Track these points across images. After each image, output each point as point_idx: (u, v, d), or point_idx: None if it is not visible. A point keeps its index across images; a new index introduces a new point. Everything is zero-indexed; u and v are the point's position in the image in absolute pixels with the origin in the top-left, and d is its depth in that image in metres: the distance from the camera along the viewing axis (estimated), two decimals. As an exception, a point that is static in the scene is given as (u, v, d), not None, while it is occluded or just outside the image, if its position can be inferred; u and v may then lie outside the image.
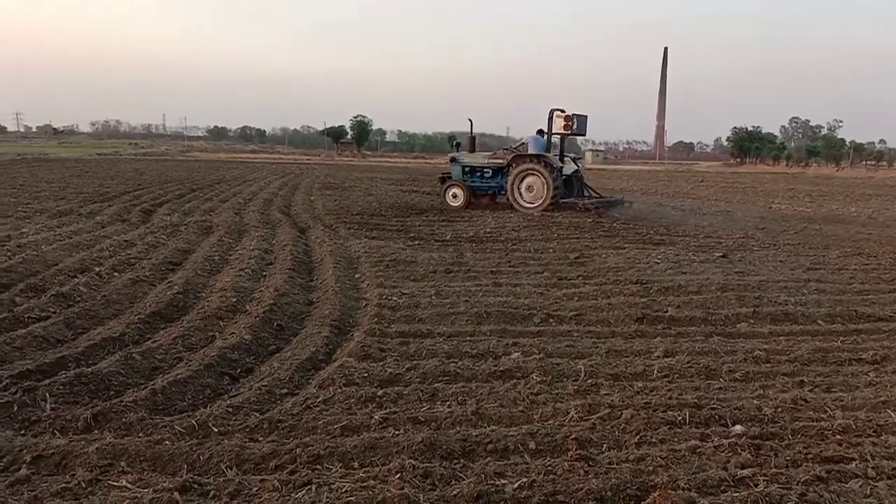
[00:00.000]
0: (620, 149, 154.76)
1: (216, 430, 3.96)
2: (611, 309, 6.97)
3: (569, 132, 17.07)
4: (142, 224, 12.44)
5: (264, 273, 8.42)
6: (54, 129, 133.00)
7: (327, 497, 3.16)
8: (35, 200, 15.68)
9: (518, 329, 6.25)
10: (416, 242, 11.43)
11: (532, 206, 16.61)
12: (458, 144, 19.73)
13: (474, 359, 5.36)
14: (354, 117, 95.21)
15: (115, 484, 3.28)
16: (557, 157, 17.26)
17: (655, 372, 5.18)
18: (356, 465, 3.60)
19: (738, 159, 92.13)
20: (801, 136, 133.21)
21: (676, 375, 5.17)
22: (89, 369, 4.66)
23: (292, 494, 3.22)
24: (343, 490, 3.24)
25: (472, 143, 18.45)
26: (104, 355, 5.15)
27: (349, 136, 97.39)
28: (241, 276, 7.89)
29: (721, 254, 10.70)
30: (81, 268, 7.99)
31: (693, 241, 12.44)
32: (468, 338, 5.94)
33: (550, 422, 4.16)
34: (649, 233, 13.36)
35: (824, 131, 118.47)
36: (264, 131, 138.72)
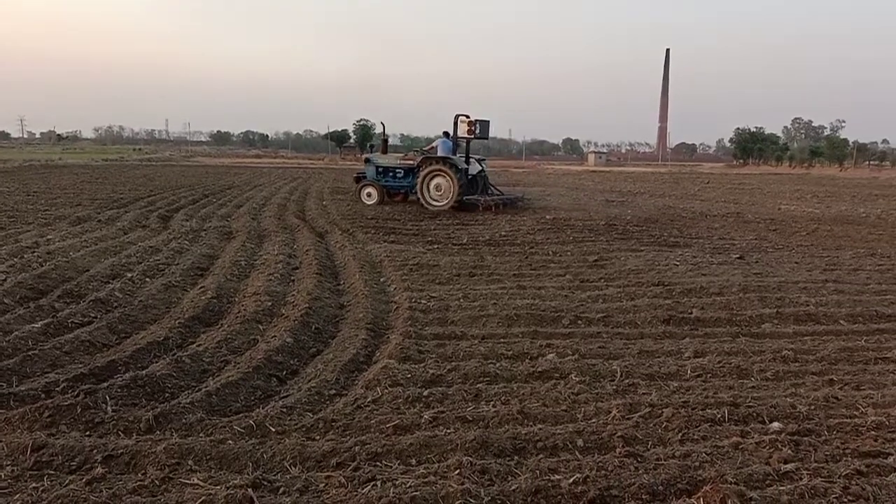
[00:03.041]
0: (623, 150, 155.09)
1: (274, 429, 4.10)
2: (637, 311, 7.11)
3: (472, 136, 18.18)
4: (162, 230, 12.61)
5: (292, 277, 8.58)
6: (58, 135, 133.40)
7: (393, 492, 3.30)
8: (52, 207, 15.86)
9: (549, 331, 6.40)
10: (435, 246, 11.58)
11: (439, 204, 17.72)
12: (373, 146, 21.19)
13: (511, 360, 5.50)
14: (357, 121, 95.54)
15: (187, 482, 3.41)
16: (463, 159, 18.25)
17: (689, 372, 5.33)
18: (414, 462, 3.74)
19: (741, 161, 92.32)
20: (803, 136, 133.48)
21: (709, 375, 5.31)
22: (143, 372, 4.80)
23: (359, 490, 3.36)
24: (407, 486, 3.37)
25: (385, 145, 20.17)
26: (152, 359, 5.30)
27: (352, 140, 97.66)
28: (270, 280, 8.04)
29: (738, 255, 10.84)
30: (113, 274, 8.15)
31: (707, 243, 12.58)
32: (501, 340, 6.09)
33: (594, 420, 4.30)
34: (663, 235, 13.51)
35: (827, 132, 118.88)
36: (267, 136, 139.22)
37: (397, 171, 19.14)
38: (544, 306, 7.16)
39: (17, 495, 3.18)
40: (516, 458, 3.78)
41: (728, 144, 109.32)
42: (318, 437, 4.03)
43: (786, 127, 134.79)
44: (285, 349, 5.62)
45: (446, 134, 18.62)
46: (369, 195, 19.09)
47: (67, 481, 3.37)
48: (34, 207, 15.67)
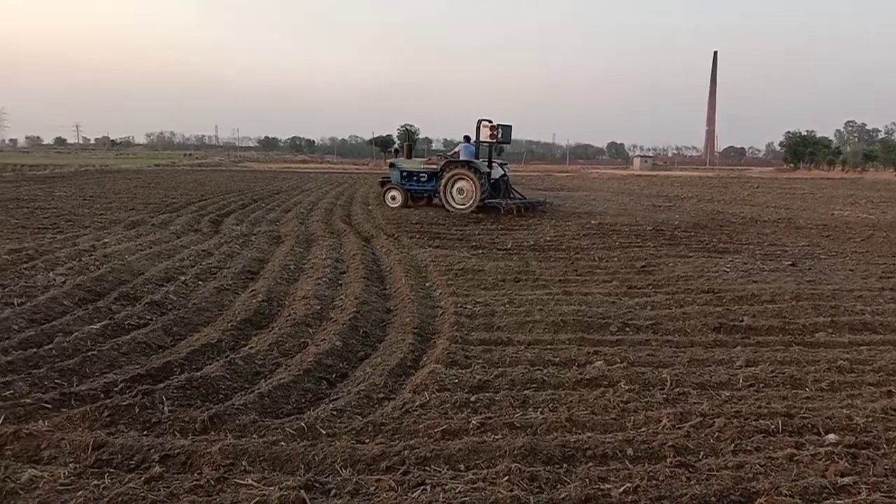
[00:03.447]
0: (669, 154, 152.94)
1: (324, 432, 4.17)
2: (686, 318, 7.02)
3: (494, 140, 18.39)
4: (214, 234, 12.90)
5: (340, 282, 8.69)
6: (112, 140, 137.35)
7: (442, 497, 3.32)
8: (107, 211, 16.33)
9: (596, 338, 6.35)
10: (480, 251, 11.60)
11: (462, 207, 18.04)
12: (397, 151, 21.78)
13: (558, 367, 5.48)
14: (401, 126, 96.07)
15: (242, 482, 3.49)
16: (486, 163, 18.51)
17: (741, 381, 5.24)
18: (462, 467, 3.76)
19: (792, 165, 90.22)
20: (856, 140, 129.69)
21: (762, 385, 5.21)
22: (198, 374, 4.93)
23: (409, 494, 3.39)
24: (456, 491, 3.40)
25: (410, 150, 20.74)
26: (206, 361, 5.44)
27: (396, 146, 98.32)
28: (319, 284, 8.16)
29: (790, 262, 10.61)
30: (167, 277, 8.37)
31: (758, 249, 12.34)
32: (548, 346, 6.07)
33: (644, 429, 4.26)
34: (712, 241, 13.29)
35: (881, 135, 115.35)
36: (313, 141, 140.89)
37: (421, 175, 19.54)
38: (591, 313, 7.11)
39: (80, 492, 3.29)
40: (565, 465, 3.77)
41: (778, 148, 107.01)
42: (367, 441, 4.08)
43: (838, 130, 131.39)
44: (334, 352, 5.70)
45: (467, 138, 19.01)
46: (393, 198, 19.52)
47: (127, 479, 3.47)
48: (90, 211, 16.17)
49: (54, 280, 7.72)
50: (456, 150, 19.41)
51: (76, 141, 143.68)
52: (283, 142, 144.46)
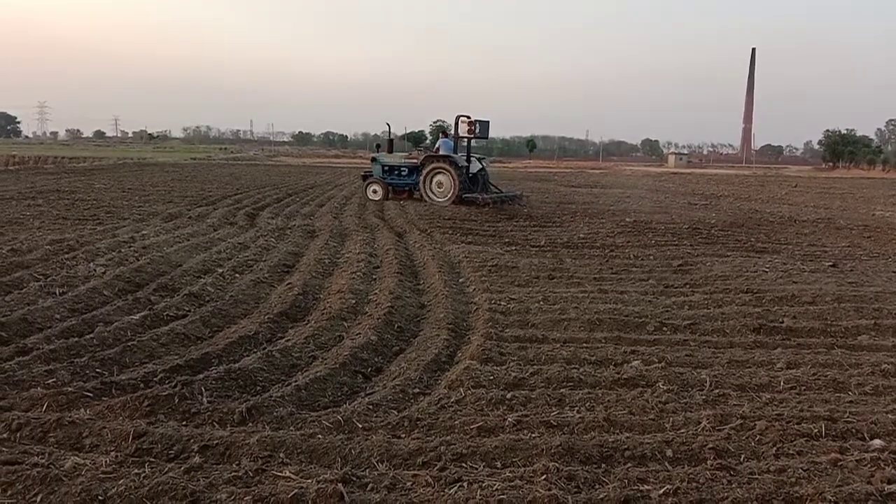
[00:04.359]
0: (705, 152, 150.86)
1: (361, 425, 4.18)
2: (725, 318, 6.91)
3: (472, 136, 19.21)
4: (249, 227, 13.05)
5: (373, 276, 8.72)
6: (149, 134, 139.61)
7: (480, 494, 3.30)
8: (145, 203, 16.60)
9: (633, 337, 6.28)
10: (513, 248, 11.55)
11: (441, 200, 18.68)
12: (379, 146, 22.27)
13: (594, 366, 5.43)
14: (434, 122, 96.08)
15: (280, 474, 3.50)
16: (464, 158, 19.18)
17: (782, 383, 5.13)
18: (499, 464, 3.74)
19: (831, 164, 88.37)
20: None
21: (804, 387, 5.10)
22: (236, 366, 4.99)
23: (445, 490, 3.37)
24: (493, 488, 3.37)
25: (391, 145, 21.38)
26: (244, 352, 5.49)
27: (428, 141, 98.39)
28: (353, 278, 8.19)
29: (831, 263, 10.39)
30: (204, 269, 8.47)
31: (797, 249, 12.11)
32: (584, 344, 6.02)
33: (683, 431, 4.20)
34: (750, 240, 13.08)
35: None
36: (346, 136, 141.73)
37: (402, 169, 20.11)
38: (627, 311, 7.04)
39: (121, 480, 3.33)
40: (603, 465, 3.73)
41: (816, 147, 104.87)
42: (403, 436, 4.08)
43: (879, 129, 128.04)
44: (370, 346, 5.72)
45: (445, 133, 20.11)
46: (375, 192, 20.02)
47: (167, 469, 3.51)
48: (129, 203, 16.44)
49: (95, 270, 7.85)
50: (437, 146, 20.13)
51: (115, 134, 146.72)
52: (316, 137, 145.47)
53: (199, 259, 9.01)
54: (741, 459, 3.88)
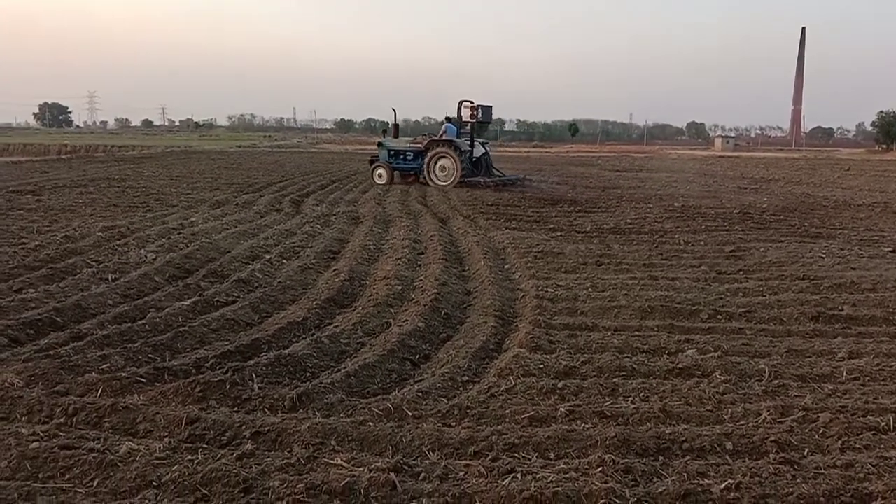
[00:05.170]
0: (752, 135, 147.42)
1: (410, 413, 4.13)
2: (781, 306, 6.69)
3: (475, 120, 19.93)
4: (295, 213, 13.13)
5: (418, 262, 8.68)
6: (195, 122, 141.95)
7: (534, 486, 3.22)
8: (193, 191, 16.83)
9: (686, 325, 6.12)
10: (558, 234, 11.39)
11: (444, 183, 19.30)
12: (385, 131, 22.86)
13: (648, 354, 5.30)
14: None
15: (331, 462, 3.48)
16: (468, 142, 19.85)
17: (844, 374, 4.93)
18: (552, 455, 3.66)
19: (884, 146, 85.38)
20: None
21: (868, 378, 4.90)
22: (285, 352, 4.99)
23: (498, 481, 3.31)
24: (548, 480, 3.29)
25: (396, 130, 22.06)
26: (293, 338, 5.50)
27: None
28: (399, 265, 8.16)
29: (890, 249, 10.00)
30: (252, 255, 8.54)
31: (854, 234, 11.69)
32: (636, 333, 5.88)
33: (743, 423, 4.05)
34: (803, 225, 12.68)
35: None
36: (387, 123, 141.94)
37: (407, 153, 20.62)
38: (680, 298, 6.86)
39: (175, 466, 3.35)
40: (661, 458, 3.61)
41: (869, 128, 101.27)
42: (454, 424, 4.02)
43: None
44: (417, 333, 5.68)
45: (449, 119, 20.50)
46: (380, 176, 20.52)
47: (219, 455, 3.51)
48: (177, 191, 16.69)
49: (146, 257, 7.97)
50: (442, 130, 20.56)
51: (162, 123, 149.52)
52: (358, 123, 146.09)
53: (246, 245, 9.08)
54: (805, 453, 3.73)
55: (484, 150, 20.78)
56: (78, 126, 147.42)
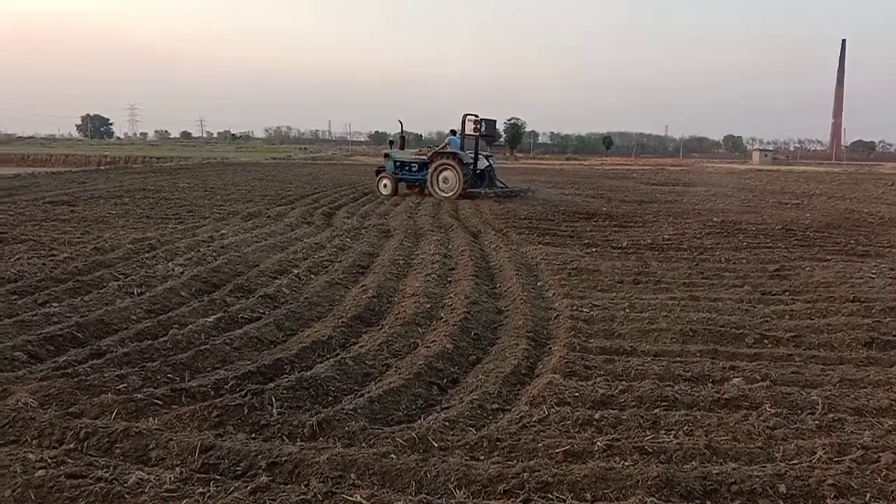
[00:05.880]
0: (791, 148, 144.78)
1: (436, 444, 3.89)
2: (831, 330, 6.30)
3: (478, 133, 20.34)
4: (326, 227, 13.00)
5: (449, 279, 8.44)
6: (233, 134, 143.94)
7: (568, 532, 2.96)
8: (226, 203, 16.84)
9: (730, 350, 5.78)
10: (593, 249, 11.07)
11: (447, 194, 19.71)
12: (392, 143, 23.21)
13: (690, 383, 4.98)
14: (508, 120, 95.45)
15: (350, 499, 3.25)
16: (471, 155, 20.33)
17: (905, 408, 4.57)
18: (589, 496, 3.38)
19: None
20: None
21: (931, 413, 4.52)
22: (308, 373, 4.78)
23: (530, 525, 3.05)
24: (584, 525, 3.03)
25: (403, 141, 22.56)
26: (317, 359, 5.30)
27: (502, 139, 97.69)
28: (428, 281, 7.93)
29: (946, 269, 9.49)
30: (280, 269, 8.38)
31: (905, 253, 11.16)
32: (677, 358, 5.55)
33: (796, 462, 3.73)
34: (849, 242, 12.18)
35: None
36: (421, 136, 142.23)
37: (412, 165, 21.10)
38: (723, 321, 6.52)
39: (185, 500, 3.15)
40: (708, 502, 3.32)
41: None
42: (482, 458, 3.76)
43: None
44: (445, 356, 5.42)
45: (453, 132, 20.84)
46: (385, 186, 20.99)
47: (232, 488, 3.30)
48: (210, 202, 16.72)
49: (173, 270, 7.86)
50: (445, 143, 20.96)
51: (200, 135, 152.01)
52: (392, 136, 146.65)
53: (275, 259, 8.94)
54: (867, 499, 3.40)
55: (488, 164, 21.40)
56: (119, 137, 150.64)
